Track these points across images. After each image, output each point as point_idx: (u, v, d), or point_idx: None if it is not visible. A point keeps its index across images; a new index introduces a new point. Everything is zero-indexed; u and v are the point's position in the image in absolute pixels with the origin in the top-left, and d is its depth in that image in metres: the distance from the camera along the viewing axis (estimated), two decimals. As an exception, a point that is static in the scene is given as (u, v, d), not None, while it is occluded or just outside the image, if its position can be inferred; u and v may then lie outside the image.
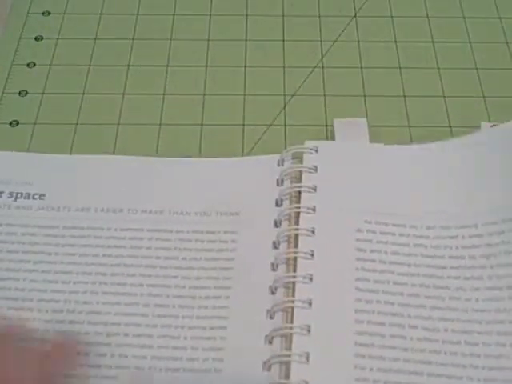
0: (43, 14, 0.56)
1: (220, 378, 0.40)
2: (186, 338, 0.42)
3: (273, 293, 0.43)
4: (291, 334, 0.41)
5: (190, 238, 0.45)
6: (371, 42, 0.57)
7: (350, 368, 0.40)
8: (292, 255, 0.44)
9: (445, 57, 0.56)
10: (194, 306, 0.43)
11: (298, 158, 0.48)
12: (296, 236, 0.44)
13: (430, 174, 0.47)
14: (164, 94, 0.53)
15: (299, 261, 0.43)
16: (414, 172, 0.48)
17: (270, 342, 0.41)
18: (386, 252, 0.44)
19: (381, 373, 0.40)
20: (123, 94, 0.53)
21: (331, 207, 0.45)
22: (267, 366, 0.40)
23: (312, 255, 0.43)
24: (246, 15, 0.58)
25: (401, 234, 0.45)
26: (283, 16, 0.59)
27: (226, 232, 0.45)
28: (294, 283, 0.43)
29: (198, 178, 0.48)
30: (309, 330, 0.41)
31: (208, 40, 0.56)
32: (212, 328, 0.42)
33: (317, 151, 0.47)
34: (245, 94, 0.53)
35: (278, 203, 0.46)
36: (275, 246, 0.44)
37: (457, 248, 0.44)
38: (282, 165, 0.48)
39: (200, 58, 0.55)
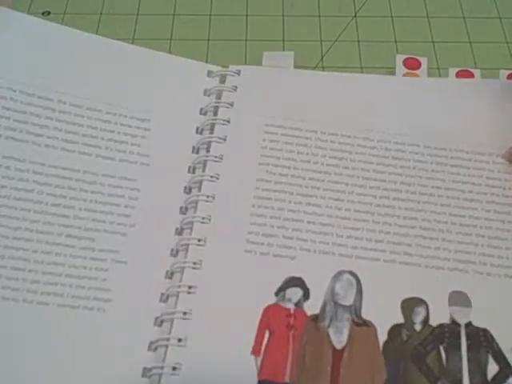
0: (43, 13, 0.54)
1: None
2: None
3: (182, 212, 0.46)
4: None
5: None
6: (371, 42, 0.57)
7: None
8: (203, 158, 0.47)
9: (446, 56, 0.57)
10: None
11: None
12: (209, 143, 0.48)
13: (337, 95, 0.51)
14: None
15: (209, 163, 0.47)
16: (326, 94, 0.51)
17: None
18: (287, 150, 0.48)
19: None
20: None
21: (243, 119, 0.49)
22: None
23: (221, 159, 0.47)
24: (246, 15, 0.58)
25: (300, 136, 0.48)
26: (283, 16, 0.59)
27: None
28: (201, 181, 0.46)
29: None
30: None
31: (208, 40, 0.57)
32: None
33: (239, 74, 0.51)
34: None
35: (202, 112, 0.50)
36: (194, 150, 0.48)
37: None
38: (210, 77, 0.52)
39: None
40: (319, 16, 0.59)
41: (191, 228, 0.44)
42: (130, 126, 0.49)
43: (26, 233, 0.44)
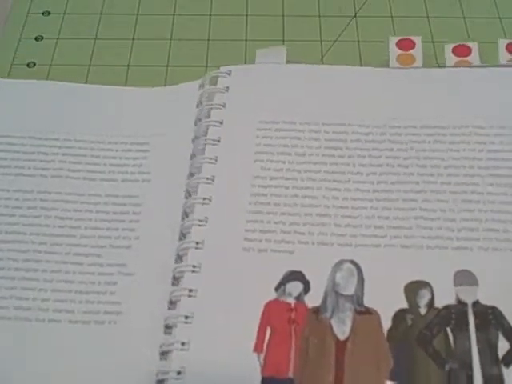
0: (43, 14, 0.54)
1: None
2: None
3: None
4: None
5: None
6: (371, 42, 0.57)
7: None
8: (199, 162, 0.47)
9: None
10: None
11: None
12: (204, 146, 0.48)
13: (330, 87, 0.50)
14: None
15: (204, 165, 0.47)
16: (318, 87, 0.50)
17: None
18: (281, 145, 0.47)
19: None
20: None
21: (236, 118, 0.49)
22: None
23: (216, 160, 0.47)
24: (246, 15, 0.58)
25: (294, 130, 0.48)
26: (283, 16, 0.59)
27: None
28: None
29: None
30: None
31: (208, 40, 0.57)
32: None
33: (230, 74, 0.51)
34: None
35: (196, 123, 0.50)
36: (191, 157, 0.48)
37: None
38: (202, 88, 0.51)
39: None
40: (319, 16, 0.59)
41: (190, 232, 0.44)
42: (130, 151, 0.50)
43: (35, 254, 0.45)
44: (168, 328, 0.41)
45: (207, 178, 0.46)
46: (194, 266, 0.42)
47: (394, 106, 0.49)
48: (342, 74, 0.51)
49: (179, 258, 0.44)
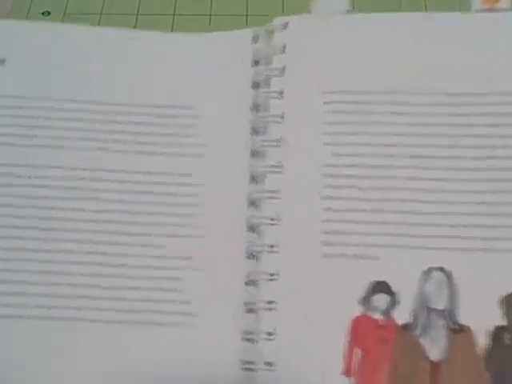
0: (43, 14, 0.53)
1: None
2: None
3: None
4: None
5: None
6: None
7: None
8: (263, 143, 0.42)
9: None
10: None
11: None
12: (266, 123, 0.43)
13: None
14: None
15: (269, 150, 0.42)
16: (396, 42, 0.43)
17: None
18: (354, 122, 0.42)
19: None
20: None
21: (297, 88, 0.43)
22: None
23: (280, 142, 0.42)
24: (246, 15, 0.53)
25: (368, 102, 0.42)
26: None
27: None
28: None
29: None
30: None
31: None
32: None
33: (286, 27, 0.44)
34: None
35: (253, 86, 0.44)
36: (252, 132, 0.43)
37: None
38: (256, 42, 0.45)
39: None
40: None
41: (260, 230, 0.40)
42: (177, 117, 0.44)
43: (97, 246, 0.41)
44: (249, 341, 0.39)
45: (274, 166, 0.41)
46: (271, 275, 0.39)
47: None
48: (427, 22, 0.44)
49: (251, 255, 0.40)
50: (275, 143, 0.42)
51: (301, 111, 0.42)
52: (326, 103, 0.42)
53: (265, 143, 0.42)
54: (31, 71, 0.46)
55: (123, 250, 0.41)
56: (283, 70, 0.43)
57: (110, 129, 0.44)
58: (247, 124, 0.43)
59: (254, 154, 0.42)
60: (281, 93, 0.43)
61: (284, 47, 0.44)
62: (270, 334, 0.38)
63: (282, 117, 0.42)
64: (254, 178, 0.42)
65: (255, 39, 0.46)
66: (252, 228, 0.41)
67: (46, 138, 0.44)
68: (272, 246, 0.40)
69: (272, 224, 0.40)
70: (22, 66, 0.47)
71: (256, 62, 0.45)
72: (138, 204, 0.42)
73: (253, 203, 0.41)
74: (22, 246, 0.41)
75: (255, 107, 0.43)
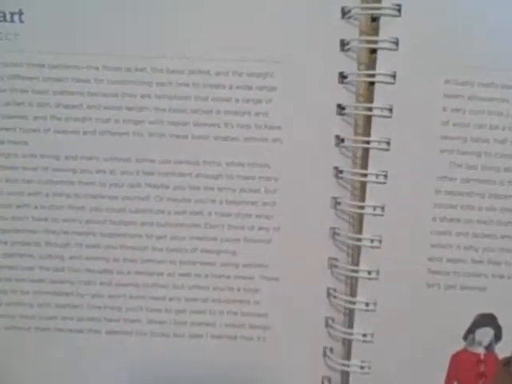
0: None
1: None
2: None
3: None
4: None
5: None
6: None
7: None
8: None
9: None
10: None
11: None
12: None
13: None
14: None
15: (372, 153, 0.34)
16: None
17: None
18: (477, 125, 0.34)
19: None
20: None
21: (413, 73, 0.34)
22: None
23: (388, 145, 0.34)
24: None
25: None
26: None
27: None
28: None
29: None
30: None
31: None
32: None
33: None
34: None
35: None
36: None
37: None
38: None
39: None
40: None
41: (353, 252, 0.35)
42: (250, 88, 0.35)
43: (154, 253, 0.36)
44: (334, 371, 0.36)
45: (377, 176, 0.34)
46: (367, 305, 0.35)
47: None
48: None
49: (335, 260, 0.36)
50: (381, 145, 0.34)
51: (415, 103, 0.34)
52: (446, 96, 0.34)
53: (365, 145, 0.34)
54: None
55: (191, 256, 0.36)
56: (396, 41, 0.33)
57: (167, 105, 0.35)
58: (334, 100, 0.35)
59: (341, 140, 0.35)
60: (392, 76, 0.33)
61: (398, 6, 0.33)
62: (361, 367, 0.35)
63: (390, 110, 0.34)
64: (340, 171, 0.35)
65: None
66: (334, 232, 0.35)
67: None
68: (370, 273, 0.35)
69: (372, 247, 0.34)
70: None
71: (347, 16, 0.34)
72: (204, 202, 0.36)
73: (338, 203, 0.35)
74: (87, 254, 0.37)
75: (344, 79, 0.34)
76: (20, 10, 0.36)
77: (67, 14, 0.35)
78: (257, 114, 0.35)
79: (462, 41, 0.33)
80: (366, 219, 0.34)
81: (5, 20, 0.36)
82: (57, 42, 0.35)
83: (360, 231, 0.35)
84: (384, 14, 0.33)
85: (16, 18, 0.36)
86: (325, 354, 0.36)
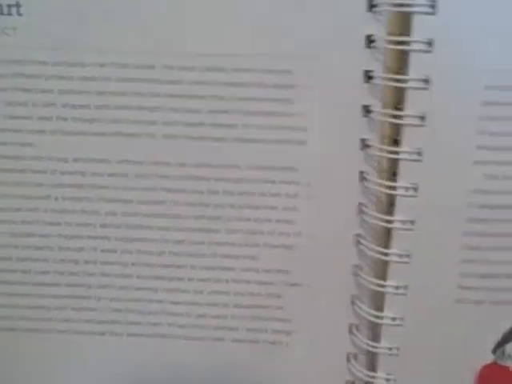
0: None
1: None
2: None
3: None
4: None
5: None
6: None
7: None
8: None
9: None
10: None
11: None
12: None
13: None
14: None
15: (403, 165, 0.31)
16: None
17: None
18: None
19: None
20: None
21: (451, 77, 0.30)
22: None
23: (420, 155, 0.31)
24: None
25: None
26: None
27: None
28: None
29: None
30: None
31: None
32: None
33: None
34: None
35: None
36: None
37: None
38: None
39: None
40: None
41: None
42: (267, 86, 0.32)
43: (175, 258, 0.35)
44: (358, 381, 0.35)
45: (406, 189, 0.31)
46: (393, 319, 0.33)
47: None
48: None
49: (360, 269, 0.34)
50: (412, 156, 0.31)
51: (451, 111, 0.31)
52: (484, 104, 0.30)
53: (396, 156, 0.31)
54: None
55: (212, 262, 0.35)
56: (430, 42, 0.30)
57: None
58: (359, 101, 0.32)
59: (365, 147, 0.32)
60: (426, 81, 0.30)
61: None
62: (387, 380, 0.34)
63: (423, 118, 0.31)
64: (363, 177, 0.33)
65: None
66: (358, 241, 0.34)
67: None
68: (397, 288, 0.33)
69: (400, 261, 0.32)
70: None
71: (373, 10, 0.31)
72: (223, 207, 0.34)
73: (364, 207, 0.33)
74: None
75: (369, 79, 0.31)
76: (17, 1, 0.33)
77: (70, 7, 0.32)
78: (277, 114, 0.32)
79: (501, 43, 0.30)
80: (394, 233, 0.32)
81: (1, 13, 0.33)
82: (59, 38, 0.32)
83: (385, 243, 0.33)
84: (417, 12, 0.30)
85: (13, 10, 0.33)
86: (348, 361, 0.35)
